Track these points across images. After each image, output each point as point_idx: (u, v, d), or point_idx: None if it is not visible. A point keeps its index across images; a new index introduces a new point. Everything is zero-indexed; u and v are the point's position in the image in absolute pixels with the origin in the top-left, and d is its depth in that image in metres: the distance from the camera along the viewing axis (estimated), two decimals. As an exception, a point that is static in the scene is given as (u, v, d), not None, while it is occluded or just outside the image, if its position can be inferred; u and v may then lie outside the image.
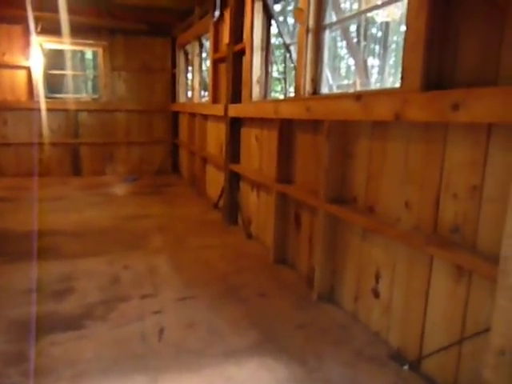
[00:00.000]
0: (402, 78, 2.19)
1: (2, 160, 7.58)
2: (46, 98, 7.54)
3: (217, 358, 2.30)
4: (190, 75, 7.70)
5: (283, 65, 6.31)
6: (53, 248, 4.00)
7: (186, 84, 7.95)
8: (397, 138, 2.37)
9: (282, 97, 7.32)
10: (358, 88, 4.29)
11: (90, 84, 15.81)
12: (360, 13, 3.67)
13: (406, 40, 2.16)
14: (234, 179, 4.87)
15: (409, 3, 2.12)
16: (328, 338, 2.52)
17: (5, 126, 7.51)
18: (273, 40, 4.91)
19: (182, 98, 7.94)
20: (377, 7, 3.50)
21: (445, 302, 2.06)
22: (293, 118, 3.41)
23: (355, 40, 6.20)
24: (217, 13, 5.01)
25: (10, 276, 3.33)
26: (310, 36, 3.21)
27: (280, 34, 4.59)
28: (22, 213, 5.27)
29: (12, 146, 7.56)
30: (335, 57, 5.67)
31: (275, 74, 7.38)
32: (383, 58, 13.05)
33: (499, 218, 1.74)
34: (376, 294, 2.56)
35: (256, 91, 4.34)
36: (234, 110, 4.62)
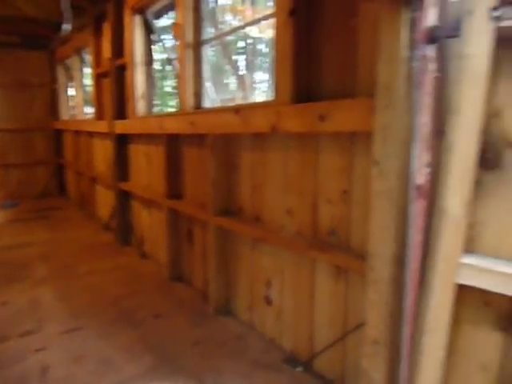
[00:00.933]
0: (275, 92, 2.30)
1: None
2: None
3: (108, 390, 2.17)
4: (72, 91, 7.26)
5: (176, 79, 6.26)
6: None
7: (68, 100, 7.49)
8: (275, 149, 2.47)
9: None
10: (239, 102, 4.43)
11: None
12: (235, 29, 3.79)
13: (276, 57, 2.27)
14: (124, 198, 4.68)
15: (275, 22, 2.24)
16: (224, 350, 2.52)
17: None
18: (161, 55, 4.85)
19: (64, 115, 7.46)
20: (250, 24, 3.65)
21: (328, 301, 2.19)
22: (178, 133, 3.39)
23: (241, 56, 6.38)
24: (66, 26, 4.61)
25: None
26: (190, 51, 3.22)
27: (164, 49, 4.55)
28: None
29: None
30: (221, 71, 5.75)
31: (168, 89, 7.27)
32: (271, 72, 13.62)
33: (366, 218, 1.89)
34: (268, 302, 2.63)
35: (141, 106, 4.23)
36: (120, 127, 4.46)
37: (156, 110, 4.54)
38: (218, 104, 3.45)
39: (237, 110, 2.57)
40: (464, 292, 1.41)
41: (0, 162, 7.38)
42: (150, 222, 4.22)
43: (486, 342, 1.43)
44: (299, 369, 2.31)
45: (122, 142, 4.61)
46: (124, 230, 4.70)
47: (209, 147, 2.90)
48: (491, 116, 1.36)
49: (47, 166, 7.79)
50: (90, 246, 4.71)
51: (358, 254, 1.96)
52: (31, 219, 6.08)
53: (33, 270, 3.95)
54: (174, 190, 3.55)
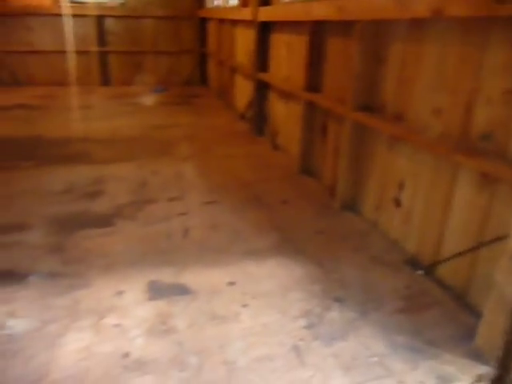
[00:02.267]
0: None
1: (32, 68, 7.59)
2: (71, 2, 7.31)
3: (238, 255, 2.42)
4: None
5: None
6: (83, 154, 4.12)
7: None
8: (431, 40, 2.20)
9: None
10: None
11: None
12: None
13: None
14: (261, 89, 4.75)
15: None
16: (346, 244, 2.59)
17: (31, 32, 7.41)
18: None
19: (209, 4, 7.54)
20: None
21: (465, 210, 2.05)
22: (324, 20, 3.20)
23: None
24: None
25: (43, 179, 3.49)
26: None
27: None
28: (53, 120, 5.38)
29: (40, 53, 7.51)
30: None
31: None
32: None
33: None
34: (398, 203, 2.57)
35: (287, -8, 4.05)
36: (264, 13, 4.37)
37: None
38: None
39: (394, -9, 2.30)
40: None
41: (152, 49, 7.93)
42: (285, 114, 4.26)
43: None
44: (420, 272, 2.29)
45: (265, 30, 4.54)
46: (259, 121, 4.84)
47: (356, 36, 2.71)
48: None
49: (192, 54, 8.15)
50: (227, 133, 4.99)
51: (514, 163, 1.75)
52: (176, 104, 6.59)
53: (177, 148, 4.37)
54: (313, 83, 3.47)
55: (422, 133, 2.28)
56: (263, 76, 4.61)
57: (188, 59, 8.17)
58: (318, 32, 3.36)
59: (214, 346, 1.76)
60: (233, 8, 6.08)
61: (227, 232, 2.68)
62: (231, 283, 2.17)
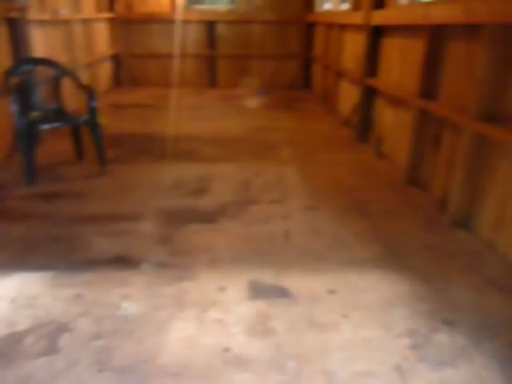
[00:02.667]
0: None
1: (148, 70, 8.22)
2: (187, 9, 7.79)
3: (339, 264, 2.37)
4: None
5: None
6: (191, 152, 4.36)
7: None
8: None
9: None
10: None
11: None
12: None
13: None
14: (369, 94, 4.62)
15: None
16: (457, 262, 2.40)
17: (151, 37, 8.03)
18: None
19: (318, 8, 7.53)
20: None
21: None
22: (444, 23, 3.01)
23: None
24: None
25: (156, 173, 3.75)
26: None
27: None
28: (165, 119, 5.76)
29: (157, 57, 8.11)
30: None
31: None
32: None
33: None
34: (521, 224, 2.32)
35: (404, -6, 3.89)
36: (377, 18, 4.24)
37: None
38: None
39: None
40: None
41: (259, 52, 8.14)
42: (392, 122, 4.10)
43: None
44: (546, 303, 2.04)
45: (376, 34, 4.41)
46: (364, 127, 4.72)
47: (483, 40, 2.51)
48: None
49: (297, 59, 8.21)
50: (329, 139, 4.94)
51: None
52: (279, 107, 6.68)
53: (279, 151, 4.42)
54: (428, 89, 3.28)
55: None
56: (371, 81, 4.48)
57: (293, 63, 8.25)
58: (436, 36, 3.18)
59: (313, 353, 1.74)
60: (343, 12, 6.00)
61: (328, 239, 2.64)
62: (331, 291, 2.13)
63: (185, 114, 6.10)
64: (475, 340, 1.80)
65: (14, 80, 3.62)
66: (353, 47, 5.37)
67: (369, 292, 2.12)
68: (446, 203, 2.96)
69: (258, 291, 2.13)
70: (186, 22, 7.81)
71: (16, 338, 1.79)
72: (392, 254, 2.46)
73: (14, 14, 4.11)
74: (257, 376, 1.63)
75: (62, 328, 1.85)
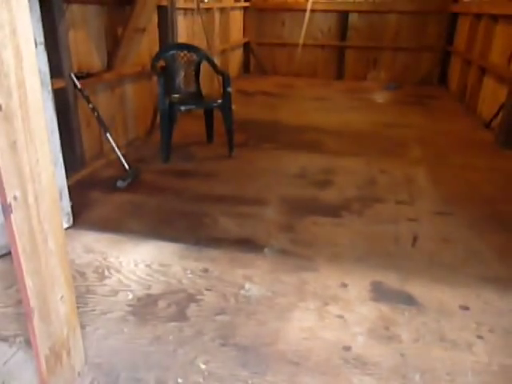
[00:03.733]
0: None
1: (277, 59, 8.33)
2: (321, -2, 7.73)
3: (474, 278, 2.16)
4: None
5: None
6: (315, 143, 4.32)
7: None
8: None
9: None
10: None
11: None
12: None
13: None
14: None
15: None
16: None
17: (282, 26, 8.11)
18: None
19: (466, -3, 6.90)
20: None
21: None
22: None
23: None
24: None
25: (280, 161, 3.79)
26: None
27: None
28: (290, 108, 5.80)
29: (286, 46, 8.17)
30: None
31: None
32: None
33: None
34: None
35: None
36: None
37: None
38: None
39: None
40: None
41: (392, 44, 7.74)
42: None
43: None
44: None
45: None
46: (508, 132, 4.23)
47: None
48: None
49: (433, 52, 7.63)
50: (465, 141, 4.52)
51: None
52: (409, 103, 6.30)
53: (408, 149, 4.17)
54: None
55: None
56: (525, 80, 3.98)
57: (428, 57, 7.69)
58: None
59: (441, 370, 1.61)
60: (496, 1, 5.40)
61: (462, 250, 2.42)
62: (464, 307, 1.95)
63: (310, 104, 6.08)
64: None
65: (160, 63, 3.92)
66: (505, 41, 4.82)
67: (509, 315, 1.90)
68: None
69: (381, 293, 2.04)
70: (318, 11, 7.74)
71: (151, 300, 1.95)
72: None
73: (164, 2, 4.44)
74: (377, 382, 1.56)
75: (190, 298, 1.97)
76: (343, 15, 7.77)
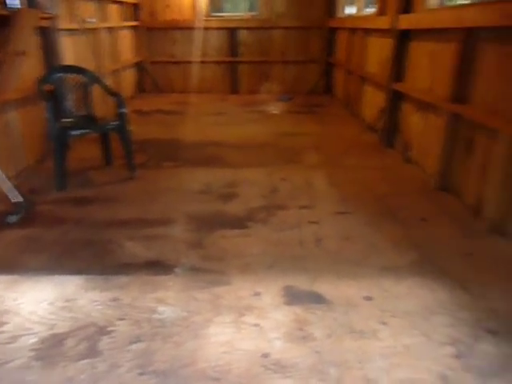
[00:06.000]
0: None
1: (172, 77, 8.31)
2: (210, 16, 7.88)
3: (374, 270, 2.33)
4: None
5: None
6: (216, 157, 4.37)
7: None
8: None
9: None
10: None
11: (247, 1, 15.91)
12: None
13: None
14: (395, 99, 4.58)
15: None
16: (497, 270, 2.34)
17: (174, 45, 8.13)
18: None
19: (339, 13, 7.51)
20: None
21: None
22: (478, 26, 2.97)
23: None
24: None
25: (183, 179, 3.77)
26: None
27: None
28: (189, 125, 5.80)
29: (180, 64, 8.19)
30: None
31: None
32: None
33: None
34: None
35: (433, -2, 3.85)
36: (404, 22, 4.20)
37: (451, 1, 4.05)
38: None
39: None
40: None
41: (280, 58, 8.15)
42: (421, 126, 4.04)
43: None
44: None
45: (403, 39, 4.37)
46: (389, 132, 4.67)
47: (521, 42, 2.46)
48: None
49: (318, 64, 8.18)
50: (354, 144, 4.90)
51: None
52: (302, 113, 6.66)
53: (305, 156, 4.40)
54: (460, 94, 3.23)
55: None
56: (399, 86, 4.43)
57: (314, 68, 8.23)
58: (470, 39, 3.13)
59: (353, 360, 1.71)
60: (367, 17, 5.97)
61: (362, 245, 2.61)
62: (368, 298, 2.10)
63: (208, 119, 6.14)
64: (521, 351, 1.75)
65: (48, 87, 3.69)
66: (378, 52, 5.33)
67: (407, 299, 2.09)
68: (480, 209, 2.90)
69: (293, 297, 2.12)
70: (207, 28, 7.90)
71: (57, 340, 1.81)
72: (429, 261, 2.42)
73: (45, 24, 4.21)
74: (298, 382, 1.61)
75: (101, 331, 1.87)
76: (233, 32, 8.01)
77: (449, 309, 2.00)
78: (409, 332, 1.86)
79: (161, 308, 2.03)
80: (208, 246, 2.61)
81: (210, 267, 2.38)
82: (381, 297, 2.11)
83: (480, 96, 3.07)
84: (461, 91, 3.23)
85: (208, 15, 7.92)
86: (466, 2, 3.76)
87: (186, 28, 7.94)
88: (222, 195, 3.40)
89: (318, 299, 2.10)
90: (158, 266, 2.39)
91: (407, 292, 2.14)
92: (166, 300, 2.09)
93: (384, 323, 1.92)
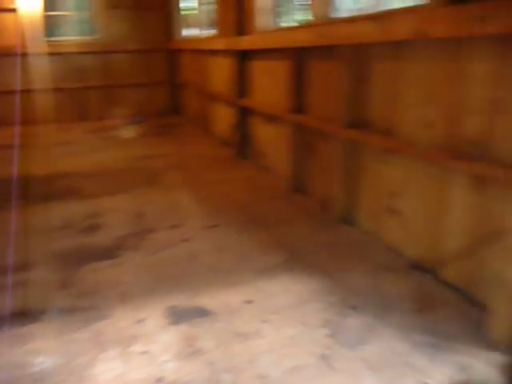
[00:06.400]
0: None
1: (10, 108, 7.47)
2: (47, 41, 7.37)
3: (250, 275, 2.48)
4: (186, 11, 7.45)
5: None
6: (72, 189, 4.12)
7: (182, 21, 7.72)
8: (414, 58, 2.40)
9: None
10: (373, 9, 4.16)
11: (85, 25, 15.23)
12: None
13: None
14: (244, 114, 4.90)
15: None
16: (350, 254, 2.70)
17: (9, 73, 7.37)
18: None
19: (177, 35, 7.73)
20: None
21: (462, 211, 2.19)
22: (305, 46, 3.39)
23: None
24: None
25: (39, 216, 3.46)
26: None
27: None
28: (36, 159, 5.32)
29: (12, 94, 7.44)
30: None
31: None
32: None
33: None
34: (394, 212, 2.70)
35: (264, 21, 4.25)
36: (243, 43, 4.55)
37: (282, 23, 4.48)
38: (350, 13, 3.36)
39: (374, 17, 2.49)
40: None
41: (127, 82, 7.99)
42: (271, 137, 4.40)
43: None
44: (425, 274, 2.41)
45: (244, 58, 4.71)
46: (243, 145, 4.97)
47: (338, 59, 2.89)
48: None
49: (165, 85, 8.26)
50: (212, 159, 5.09)
51: (505, 164, 1.91)
52: (156, 134, 6.66)
53: (166, 177, 4.42)
54: (299, 105, 3.63)
55: (414, 144, 2.44)
56: (245, 102, 4.76)
57: (162, 90, 8.28)
58: (300, 57, 3.54)
59: (244, 362, 1.80)
60: (208, 38, 6.26)
61: (234, 253, 2.74)
62: (248, 301, 2.22)
63: (58, 150, 5.72)
64: (379, 317, 2.05)
65: None
66: (222, 71, 5.64)
67: (283, 295, 2.27)
68: (329, 204, 3.29)
69: (177, 316, 2.13)
70: (47, 54, 7.34)
71: None
72: (295, 257, 2.66)
73: None
74: (196, 397, 1.63)
75: (-35, 402, 1.64)
76: (74, 57, 7.61)
77: (320, 296, 2.24)
78: (289, 324, 2.03)
79: (37, 360, 1.85)
80: (78, 283, 2.46)
81: (84, 304, 2.25)
82: (260, 298, 2.25)
83: (315, 106, 3.49)
84: (298, 103, 3.63)
85: (42, 40, 7.37)
86: (295, 25, 4.24)
87: (20, 54, 7.25)
88: (84, 228, 3.22)
89: (201, 313, 2.14)
90: (25, 315, 2.16)
91: (282, 289, 2.33)
92: (41, 350, 1.91)
93: (266, 321, 2.06)
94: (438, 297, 2.23)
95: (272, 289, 2.33)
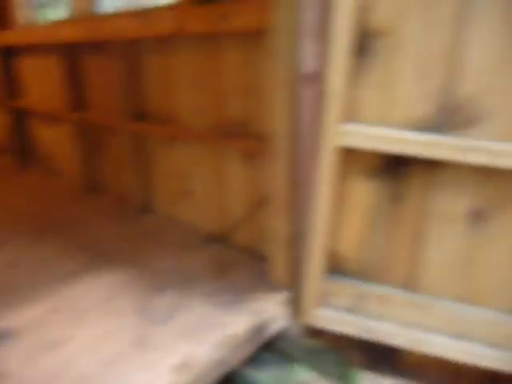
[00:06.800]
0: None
1: None
2: None
3: (52, 283, 2.38)
4: None
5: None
6: None
7: None
8: (180, 52, 2.62)
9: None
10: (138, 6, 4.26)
11: None
12: None
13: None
14: (20, 117, 4.47)
15: None
16: (152, 240, 2.84)
17: None
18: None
19: None
20: None
21: (238, 182, 2.55)
22: (75, 42, 3.30)
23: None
24: None
25: None
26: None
27: None
28: None
29: None
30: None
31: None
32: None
33: (268, 107, 2.22)
34: (186, 194, 2.94)
35: (24, 15, 3.92)
36: (4, 38, 4.11)
37: (44, 17, 4.22)
38: (115, 9, 3.39)
39: (139, 13, 2.62)
40: (346, 152, 1.83)
41: None
42: (54, 138, 4.15)
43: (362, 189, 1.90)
44: (220, 244, 2.72)
45: (8, 55, 4.27)
46: (23, 151, 4.55)
47: (112, 54, 2.93)
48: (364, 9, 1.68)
49: None
50: (-11, 171, 4.52)
51: (261, 138, 2.30)
52: None
53: None
54: (78, 102, 3.53)
55: (191, 128, 2.70)
56: (19, 103, 4.35)
57: None
58: (72, 53, 3.42)
59: (60, 369, 1.78)
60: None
61: (31, 265, 2.58)
62: (54, 310, 2.16)
63: None
64: (185, 290, 2.26)
65: None
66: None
67: (90, 295, 2.27)
68: (126, 197, 3.35)
69: (-28, 347, 1.93)
70: None
71: None
72: (98, 255, 2.66)
73: None
74: (8, 420, 1.56)
75: None
76: None
77: (127, 286, 2.32)
78: (99, 321, 2.06)
79: None
80: None
81: None
82: (65, 304, 2.19)
83: (96, 102, 3.45)
84: (78, 100, 3.53)
85: None
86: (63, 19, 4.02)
87: None
88: None
89: (4, 334, 2.00)
90: None
91: (89, 289, 2.32)
92: None
93: (75, 324, 2.04)
94: (233, 260, 2.57)
95: (78, 292, 2.30)
